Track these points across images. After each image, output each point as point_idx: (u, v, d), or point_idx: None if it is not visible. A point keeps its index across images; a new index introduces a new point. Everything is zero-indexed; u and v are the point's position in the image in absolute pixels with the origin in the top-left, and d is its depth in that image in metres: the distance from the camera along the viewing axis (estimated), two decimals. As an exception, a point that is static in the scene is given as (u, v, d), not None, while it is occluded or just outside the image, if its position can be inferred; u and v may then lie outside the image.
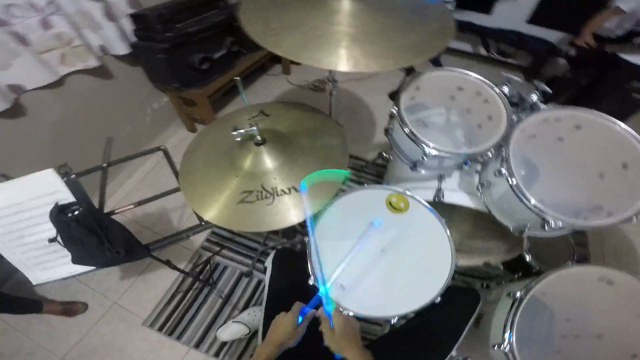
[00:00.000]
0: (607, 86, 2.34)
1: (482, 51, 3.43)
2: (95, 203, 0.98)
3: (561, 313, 1.03)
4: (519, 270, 1.32)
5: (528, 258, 1.26)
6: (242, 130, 0.84)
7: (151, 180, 2.02)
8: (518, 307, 0.83)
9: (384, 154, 1.32)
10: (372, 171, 2.05)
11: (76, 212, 0.85)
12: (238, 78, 0.83)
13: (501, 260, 1.36)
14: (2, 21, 1.26)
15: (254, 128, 0.85)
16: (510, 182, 0.87)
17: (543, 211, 0.85)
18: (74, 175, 0.90)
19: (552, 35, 3.10)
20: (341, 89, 2.73)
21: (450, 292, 0.86)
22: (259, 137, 0.87)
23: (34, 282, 0.99)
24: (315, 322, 0.74)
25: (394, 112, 1.04)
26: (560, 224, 0.84)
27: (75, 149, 1.70)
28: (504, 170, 0.87)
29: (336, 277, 0.81)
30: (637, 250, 1.80)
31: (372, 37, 0.89)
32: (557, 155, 1.09)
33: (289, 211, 0.81)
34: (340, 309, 0.79)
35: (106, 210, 1.03)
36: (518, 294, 0.85)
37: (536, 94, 1.02)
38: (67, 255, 0.93)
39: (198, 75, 1.92)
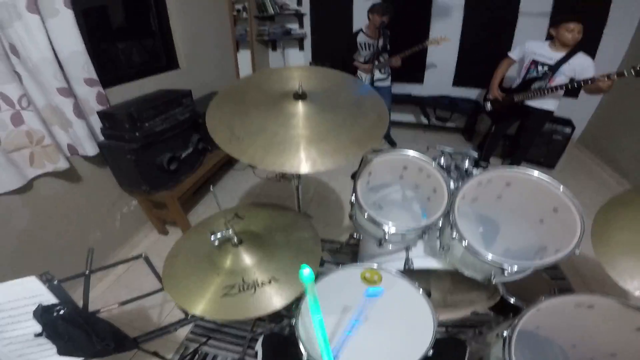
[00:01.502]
0: (528, 134, 2.65)
1: (424, 120, 3.87)
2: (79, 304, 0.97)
3: (564, 341, 1.07)
4: (509, 311, 1.37)
5: (512, 300, 1.32)
6: (219, 235, 0.91)
7: (126, 281, 1.96)
8: (510, 344, 0.86)
9: (354, 235, 1.41)
10: (347, 251, 2.13)
11: (61, 312, 0.86)
12: (212, 188, 0.93)
13: (487, 307, 1.42)
14: (-28, 116, 1.17)
15: (230, 231, 0.92)
16: (464, 244, 0.98)
17: (497, 262, 0.96)
18: (56, 282, 0.90)
19: (474, 94, 3.59)
20: (308, 178, 2.86)
21: (437, 346, 0.89)
22: (235, 239, 0.94)
23: None
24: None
25: (353, 200, 1.17)
26: (515, 268, 0.95)
27: (46, 254, 1.64)
28: (454, 235, 0.99)
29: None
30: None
31: (323, 136, 1.00)
32: (502, 210, 1.23)
33: (272, 299, 0.86)
34: None
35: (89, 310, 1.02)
36: (505, 333, 0.89)
37: (467, 159, 1.20)
38: (51, 347, 0.92)
39: (167, 176, 1.92)
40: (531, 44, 2.36)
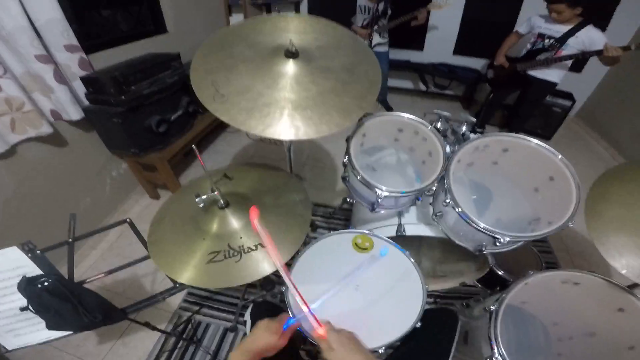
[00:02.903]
0: (528, 104, 2.65)
1: (422, 86, 3.80)
2: (64, 275, 0.95)
3: (547, 318, 1.08)
4: (496, 284, 1.40)
5: (500, 272, 1.34)
6: (205, 197, 0.88)
7: (118, 249, 1.96)
8: (496, 318, 0.87)
9: (347, 199, 1.40)
10: (341, 216, 2.13)
11: (46, 283, 0.85)
12: (194, 145, 0.88)
13: (475, 279, 1.44)
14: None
15: (216, 193, 0.89)
16: (457, 211, 0.96)
17: (490, 231, 0.94)
18: (39, 251, 0.88)
19: (476, 63, 3.52)
20: (302, 140, 2.80)
21: (428, 316, 0.90)
22: (221, 201, 0.91)
23: (9, 348, 0.96)
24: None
25: (346, 161, 1.13)
26: (507, 239, 0.93)
27: (33, 224, 1.62)
28: (449, 200, 0.97)
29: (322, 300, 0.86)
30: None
31: (310, 102, 0.94)
32: (497, 176, 1.21)
33: (257, 265, 0.84)
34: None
35: (76, 280, 1.00)
36: (492, 307, 0.89)
37: (465, 124, 1.15)
38: (41, 321, 0.92)
39: (156, 139, 1.91)
40: (536, 18, 2.37)
